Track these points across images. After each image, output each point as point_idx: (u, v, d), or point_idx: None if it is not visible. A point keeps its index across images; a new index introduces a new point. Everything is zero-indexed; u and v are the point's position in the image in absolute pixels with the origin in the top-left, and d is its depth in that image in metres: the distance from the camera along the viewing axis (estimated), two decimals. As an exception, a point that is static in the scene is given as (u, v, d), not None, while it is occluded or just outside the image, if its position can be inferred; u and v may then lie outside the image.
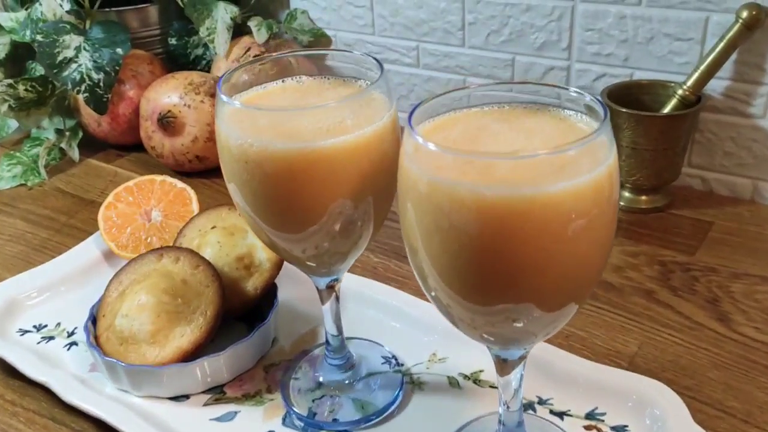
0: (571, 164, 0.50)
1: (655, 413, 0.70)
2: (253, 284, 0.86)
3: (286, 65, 0.72)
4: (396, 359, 0.83)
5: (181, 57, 1.41)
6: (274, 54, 0.70)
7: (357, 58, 0.69)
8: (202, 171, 1.27)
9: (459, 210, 0.50)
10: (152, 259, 0.85)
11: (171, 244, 0.97)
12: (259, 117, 0.61)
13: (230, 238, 0.88)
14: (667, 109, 1.07)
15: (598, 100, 0.55)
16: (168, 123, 1.20)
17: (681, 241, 1.03)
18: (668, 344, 0.85)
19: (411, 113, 0.56)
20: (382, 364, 0.82)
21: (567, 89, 0.58)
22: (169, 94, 1.21)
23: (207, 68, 1.41)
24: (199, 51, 1.41)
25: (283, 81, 0.72)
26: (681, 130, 1.04)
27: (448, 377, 0.79)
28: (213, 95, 1.21)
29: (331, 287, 0.74)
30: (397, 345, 0.85)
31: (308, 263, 0.69)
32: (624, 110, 1.04)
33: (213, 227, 0.90)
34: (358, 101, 0.62)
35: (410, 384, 0.79)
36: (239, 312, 0.87)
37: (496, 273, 0.52)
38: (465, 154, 0.51)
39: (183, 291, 0.82)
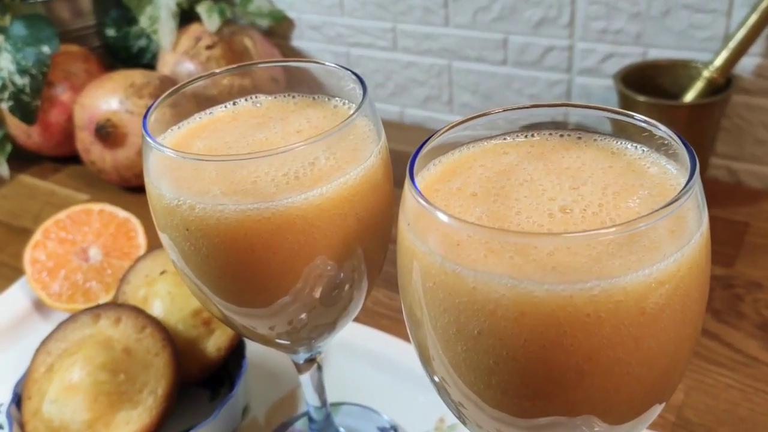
0: (649, 241, 0.34)
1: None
2: (214, 344, 0.70)
3: (238, 80, 0.55)
4: (395, 429, 0.67)
5: (121, 51, 1.23)
6: (217, 71, 0.53)
7: (330, 70, 0.53)
8: (152, 186, 1.09)
9: (493, 312, 0.35)
10: (86, 321, 0.69)
11: (113, 293, 0.80)
12: (201, 166, 0.45)
13: (183, 287, 0.71)
14: (691, 95, 0.92)
15: (677, 136, 0.39)
16: (107, 134, 1.02)
17: (715, 249, 0.89)
18: (720, 387, 0.71)
19: (412, 160, 0.40)
20: (379, 437, 0.67)
21: (626, 115, 0.42)
22: (106, 99, 1.03)
23: (153, 62, 1.23)
24: (143, 42, 1.22)
25: (234, 103, 0.55)
26: (710, 120, 0.89)
27: (462, 452, 0.65)
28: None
29: (311, 360, 0.59)
30: (395, 409, 0.70)
31: (279, 341, 0.53)
32: (642, 99, 0.89)
33: (162, 272, 0.74)
34: (336, 135, 0.46)
35: (414, 462, 0.65)
36: (199, 379, 0.71)
37: (546, 386, 0.36)
38: (496, 233, 0.35)
39: (126, 364, 0.65)
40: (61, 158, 1.20)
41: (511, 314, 0.34)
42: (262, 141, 0.50)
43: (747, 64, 0.94)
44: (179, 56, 1.13)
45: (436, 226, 0.36)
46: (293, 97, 0.55)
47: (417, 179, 0.42)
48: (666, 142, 0.41)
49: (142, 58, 1.23)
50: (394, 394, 0.71)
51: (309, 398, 0.63)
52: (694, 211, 0.36)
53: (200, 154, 0.44)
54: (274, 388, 0.74)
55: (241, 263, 0.45)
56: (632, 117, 0.41)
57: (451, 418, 0.68)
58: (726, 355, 0.75)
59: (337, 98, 0.54)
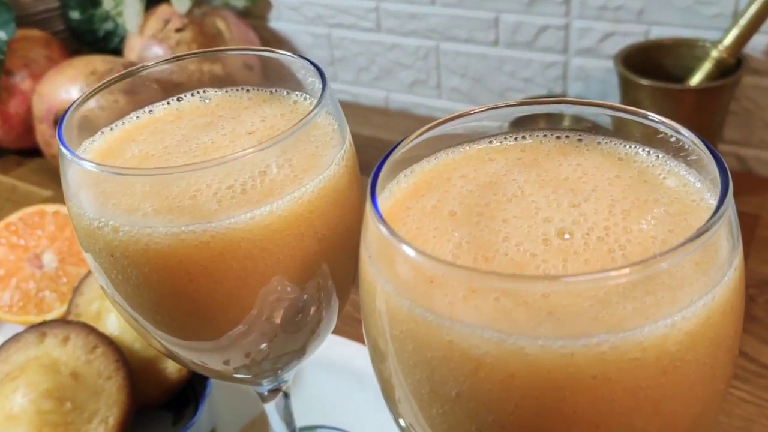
0: (672, 281, 0.27)
1: None
2: (175, 363, 0.63)
3: (183, 71, 0.48)
4: (376, 457, 0.61)
5: (87, 35, 1.14)
6: (149, 63, 0.46)
7: (287, 61, 0.45)
8: (119, 181, 1.02)
9: (474, 372, 0.28)
10: (31, 341, 0.62)
11: (65, 307, 0.73)
12: (129, 182, 0.37)
13: (140, 300, 0.64)
14: (698, 78, 0.84)
15: (702, 142, 0.32)
16: (67, 126, 0.94)
17: (725, 245, 0.82)
18: (733, 402, 0.65)
19: (375, 174, 0.33)
20: (357, 466, 0.60)
21: (638, 114, 0.34)
22: (66, 87, 0.95)
23: (122, 47, 1.14)
24: (109, 26, 1.14)
25: (178, 99, 0.47)
26: (719, 104, 0.82)
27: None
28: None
29: (275, 390, 0.52)
30: (372, 427, 0.63)
31: (238, 376, 0.46)
32: (645, 82, 0.81)
33: (118, 283, 0.67)
34: (292, 139, 0.38)
35: (397, 497, 0.58)
36: (160, 401, 0.64)
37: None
38: (477, 276, 0.28)
39: (73, 390, 0.58)
40: (24, 151, 1.13)
41: (497, 375, 0.27)
42: (207, 145, 0.42)
43: (758, 42, 0.86)
44: (147, 40, 1.05)
45: (402, 260, 0.29)
46: (247, 91, 0.47)
47: (384, 195, 0.34)
48: (685, 146, 0.34)
49: (110, 43, 1.15)
50: (377, 414, 0.64)
51: (276, 427, 0.56)
52: (727, 241, 0.28)
53: (123, 167, 0.37)
54: (244, 409, 0.67)
55: (178, 295, 0.38)
56: (646, 117, 0.34)
57: (437, 444, 0.61)
58: (738, 364, 0.68)
59: (297, 92, 0.46)
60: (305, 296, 0.42)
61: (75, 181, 0.39)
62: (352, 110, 1.16)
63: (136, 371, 0.61)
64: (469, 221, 0.33)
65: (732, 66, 0.83)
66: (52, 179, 1.05)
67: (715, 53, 0.83)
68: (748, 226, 0.85)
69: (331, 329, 0.47)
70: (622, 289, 0.26)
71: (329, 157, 0.40)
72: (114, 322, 0.64)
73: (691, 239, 0.26)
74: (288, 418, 0.55)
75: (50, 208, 0.79)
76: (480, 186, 0.35)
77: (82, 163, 0.37)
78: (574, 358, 0.26)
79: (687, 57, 0.88)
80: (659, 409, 0.28)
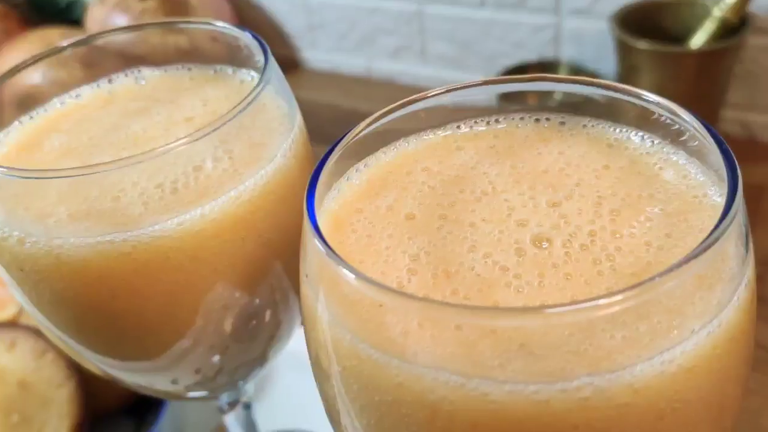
0: (670, 306, 0.22)
1: None
2: (134, 366, 0.58)
3: (118, 50, 0.42)
4: (353, 464, 0.56)
5: (48, 6, 1.08)
6: (63, 44, 0.40)
7: (226, 35, 0.40)
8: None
9: (430, 421, 0.23)
10: (-24, 346, 0.57)
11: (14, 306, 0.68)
12: (40, 184, 0.32)
13: (95, 297, 0.59)
14: (700, 39, 0.78)
15: (705, 127, 0.27)
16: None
17: (728, 219, 0.77)
18: (738, 393, 0.60)
19: (314, 176, 0.27)
20: (333, 475, 0.55)
21: (630, 94, 0.29)
22: (23, 64, 0.89)
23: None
24: (73, -5, 1.07)
25: (110, 81, 0.42)
26: (722, 67, 0.76)
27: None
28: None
29: (234, 402, 0.47)
30: None
31: (192, 395, 0.41)
32: (643, 45, 0.75)
33: (73, 279, 0.62)
34: (230, 126, 0.33)
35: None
36: (118, 408, 0.59)
37: None
38: (430, 308, 0.22)
39: (21, 401, 0.54)
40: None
41: (457, 425, 0.22)
42: (137, 135, 0.37)
43: (764, 0, 0.80)
44: (109, 9, 0.99)
45: (342, 284, 0.23)
46: (189, 69, 0.42)
47: (331, 195, 0.29)
48: (685, 131, 0.28)
49: (72, 14, 1.09)
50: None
51: (237, 438, 0.51)
52: (737, 253, 0.23)
53: (24, 169, 0.31)
54: (212, 412, 0.62)
55: (101, 314, 0.33)
56: (640, 97, 0.28)
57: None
58: (745, 352, 0.64)
59: (244, 70, 0.41)
60: (257, 301, 0.37)
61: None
62: (331, 80, 1.10)
63: (89, 377, 0.56)
64: (429, 226, 0.28)
65: (736, 26, 0.77)
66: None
67: (717, 12, 0.77)
68: (753, 198, 0.79)
69: (294, 330, 0.42)
70: (610, 321, 0.21)
71: (274, 146, 0.35)
72: (68, 322, 0.59)
73: (694, 256, 0.21)
74: (250, 429, 0.50)
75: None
76: (445, 181, 0.30)
77: (-18, 166, 0.32)
78: (549, 405, 0.21)
79: (688, 17, 0.82)
80: (659, 455, 0.23)
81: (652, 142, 0.29)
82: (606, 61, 0.88)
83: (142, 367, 0.37)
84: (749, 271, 0.24)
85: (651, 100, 0.28)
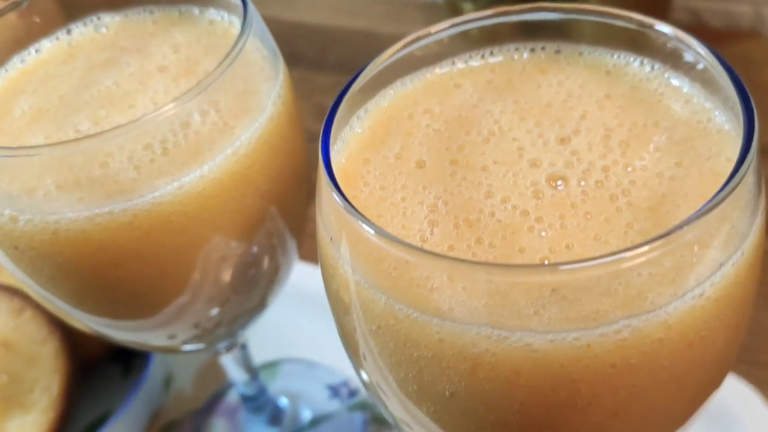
0: (700, 245, 0.22)
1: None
2: (116, 312, 0.58)
3: (69, -4, 0.39)
4: (347, 385, 0.58)
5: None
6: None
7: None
8: None
9: (472, 372, 0.23)
10: (-51, 310, 0.55)
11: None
12: (21, 163, 0.30)
13: (66, 248, 0.58)
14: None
15: (710, 51, 0.27)
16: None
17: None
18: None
19: (326, 127, 0.27)
20: (330, 398, 0.57)
21: (629, 20, 0.29)
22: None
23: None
24: None
25: (68, 31, 0.39)
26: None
27: (425, 403, 0.55)
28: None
29: (231, 346, 0.47)
30: (342, 356, 0.60)
31: (186, 348, 0.41)
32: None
33: (38, 230, 0.60)
34: (220, 82, 0.31)
35: (374, 424, 0.56)
36: (104, 355, 0.59)
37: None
38: (468, 268, 0.22)
39: (6, 361, 0.53)
40: None
41: (499, 374, 0.23)
42: (111, 90, 0.35)
43: None
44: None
45: (373, 248, 0.23)
46: (151, 12, 0.39)
47: (336, 147, 0.28)
48: (685, 54, 0.28)
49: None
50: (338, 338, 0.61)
51: (234, 377, 0.52)
52: (755, 184, 0.24)
53: (5, 147, 0.30)
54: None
55: (104, 283, 0.32)
56: (650, 27, 0.28)
57: (409, 362, 0.58)
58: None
59: (213, 9, 0.39)
60: (255, 249, 0.36)
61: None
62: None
63: (71, 329, 0.56)
64: (442, 173, 0.27)
65: None
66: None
67: None
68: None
69: (291, 272, 0.42)
70: (644, 266, 0.22)
71: (262, 95, 0.33)
72: (41, 275, 0.58)
73: (721, 198, 0.21)
74: (247, 364, 0.51)
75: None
76: (449, 123, 0.29)
77: (-47, 141, 0.30)
78: (590, 349, 0.22)
79: None
80: (683, 383, 0.24)
81: (652, 67, 0.30)
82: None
83: (139, 326, 0.37)
84: (763, 200, 0.25)
85: (646, 23, 0.28)
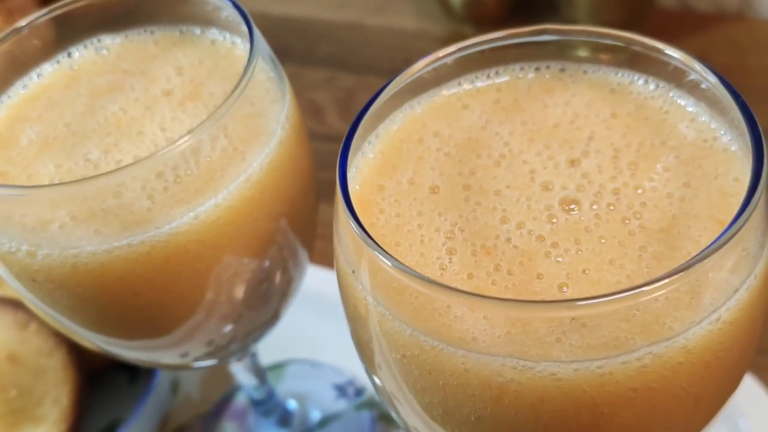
0: (716, 271, 0.23)
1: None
2: (121, 321, 0.58)
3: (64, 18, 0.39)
4: (353, 384, 0.59)
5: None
6: (41, 12, 0.37)
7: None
8: None
9: (498, 399, 0.24)
10: (-47, 326, 0.55)
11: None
12: (36, 198, 0.30)
13: (67, 259, 0.58)
14: None
15: (712, 72, 0.27)
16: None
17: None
18: None
19: (343, 160, 0.27)
20: (337, 398, 0.58)
21: (637, 44, 0.29)
22: None
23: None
24: None
25: (69, 54, 0.39)
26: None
27: (431, 399, 0.57)
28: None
29: (242, 357, 0.48)
30: (347, 355, 0.61)
31: (197, 365, 0.42)
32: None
33: (37, 242, 0.60)
34: (230, 106, 0.31)
35: (382, 421, 0.57)
36: (110, 365, 0.60)
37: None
38: (489, 304, 0.23)
39: (14, 375, 0.53)
40: None
41: (524, 401, 0.24)
42: (118, 117, 0.35)
43: None
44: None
45: (398, 283, 0.24)
46: (152, 33, 0.39)
47: (350, 174, 0.29)
48: (688, 74, 0.29)
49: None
50: (343, 337, 0.62)
51: (243, 382, 0.52)
52: (765, 208, 0.25)
53: (22, 187, 0.30)
54: (204, 353, 0.63)
55: (122, 311, 0.32)
56: (653, 48, 0.28)
57: (412, 360, 0.59)
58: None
59: (214, 28, 0.39)
60: (268, 265, 0.37)
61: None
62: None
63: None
64: (457, 198, 0.28)
65: None
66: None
67: None
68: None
69: (303, 280, 0.43)
70: (663, 296, 0.22)
71: (270, 118, 0.34)
72: (43, 287, 0.58)
73: (738, 228, 0.22)
74: (257, 370, 0.51)
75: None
76: (459, 146, 0.30)
77: (-30, 181, 0.30)
78: (612, 376, 0.23)
79: None
80: (700, 398, 0.25)
81: (656, 85, 0.30)
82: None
83: (153, 345, 0.38)
84: (772, 219, 0.25)
85: (658, 48, 0.29)
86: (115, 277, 0.31)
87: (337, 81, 0.86)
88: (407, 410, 0.28)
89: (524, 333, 0.23)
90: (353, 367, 0.60)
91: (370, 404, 0.57)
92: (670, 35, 0.85)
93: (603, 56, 0.31)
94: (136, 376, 0.61)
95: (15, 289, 0.33)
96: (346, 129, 0.27)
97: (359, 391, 0.58)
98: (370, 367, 0.29)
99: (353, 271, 0.26)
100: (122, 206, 0.31)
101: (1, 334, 0.55)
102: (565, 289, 0.25)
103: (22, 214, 0.31)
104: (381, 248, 0.24)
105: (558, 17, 0.84)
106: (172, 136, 0.34)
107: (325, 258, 0.55)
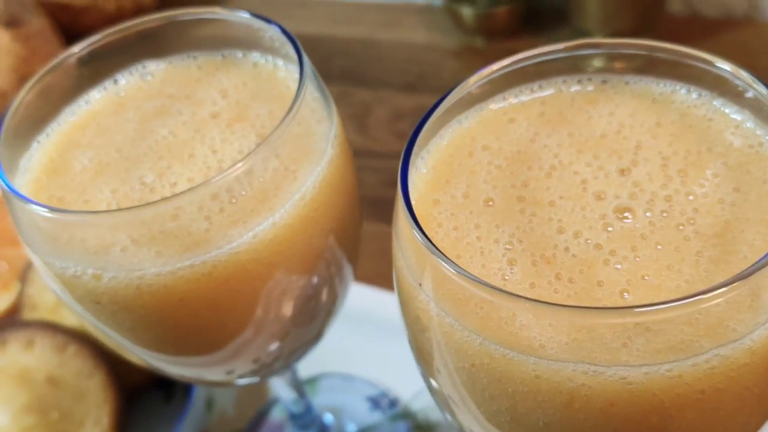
0: (765, 277, 0.24)
1: None
2: (156, 341, 0.59)
3: (110, 46, 0.40)
4: (387, 396, 0.59)
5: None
6: (86, 42, 0.38)
7: (241, 22, 0.38)
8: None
9: (568, 405, 0.25)
10: (-8, 350, 0.56)
11: (15, 291, 0.67)
12: (102, 224, 0.31)
13: (101, 281, 0.58)
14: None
15: (754, 78, 0.28)
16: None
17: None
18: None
19: (403, 177, 0.28)
20: (371, 410, 0.59)
21: (671, 51, 0.30)
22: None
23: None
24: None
25: (115, 81, 0.40)
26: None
27: (465, 408, 0.57)
28: (9, 23, 0.83)
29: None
30: (378, 368, 0.62)
31: (238, 382, 0.42)
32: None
33: (70, 265, 0.60)
34: (283, 130, 0.32)
35: (419, 431, 0.57)
36: (147, 383, 0.60)
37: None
38: (557, 312, 0.24)
39: (55, 397, 0.54)
40: None
41: (594, 405, 0.24)
42: (168, 140, 0.36)
43: None
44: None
45: (467, 294, 0.25)
46: (195, 58, 0.40)
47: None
48: (730, 81, 0.30)
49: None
50: (374, 351, 0.63)
51: (283, 396, 0.53)
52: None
53: (84, 212, 0.31)
54: (237, 369, 0.64)
55: (182, 330, 0.33)
56: (696, 58, 0.29)
57: (445, 370, 0.60)
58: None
59: (255, 52, 0.39)
60: (316, 281, 0.37)
61: (26, 223, 0.32)
62: (267, 5, 1.06)
63: (115, 358, 0.57)
64: (512, 210, 0.29)
65: None
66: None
67: None
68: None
69: (347, 297, 0.43)
70: (726, 301, 0.23)
71: (319, 137, 0.35)
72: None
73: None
74: (296, 384, 0.52)
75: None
76: (509, 159, 0.31)
77: (38, 209, 0.31)
78: (681, 379, 0.24)
79: None
80: (762, 400, 0.26)
81: (699, 94, 0.31)
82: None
83: (202, 362, 0.38)
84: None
85: (694, 55, 0.30)
86: (177, 298, 0.31)
87: (352, 96, 0.87)
88: (466, 414, 0.29)
89: (590, 339, 0.23)
90: (385, 380, 0.60)
91: (405, 415, 0.58)
92: (680, 40, 0.86)
93: (644, 66, 0.32)
94: (172, 395, 0.62)
95: (75, 311, 0.34)
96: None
97: (393, 403, 0.59)
98: (428, 370, 0.29)
99: (420, 284, 0.27)
100: (181, 228, 0.31)
101: (40, 357, 0.55)
102: (626, 295, 0.26)
103: (83, 239, 0.31)
104: (446, 257, 0.25)
105: (569, 28, 0.85)
106: (223, 158, 0.35)
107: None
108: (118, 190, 0.34)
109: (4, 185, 0.32)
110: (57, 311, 0.60)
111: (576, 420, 0.25)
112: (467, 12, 0.89)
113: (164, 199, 0.30)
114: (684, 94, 0.31)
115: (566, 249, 0.27)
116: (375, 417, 0.58)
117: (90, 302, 0.32)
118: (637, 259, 0.27)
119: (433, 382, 0.30)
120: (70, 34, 0.90)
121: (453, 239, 0.28)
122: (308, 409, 0.54)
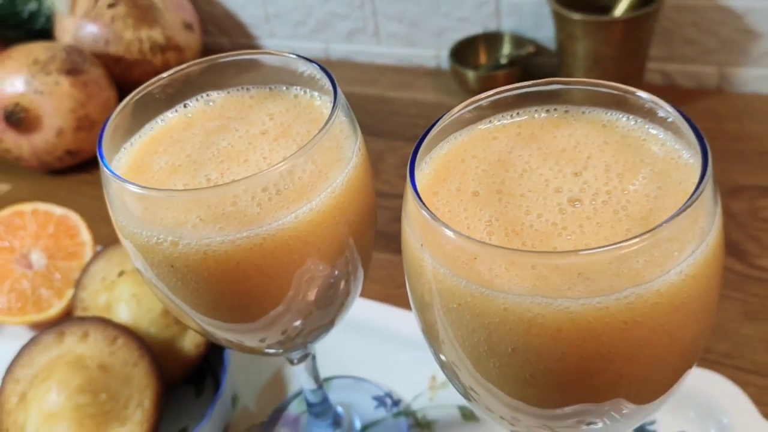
0: (677, 237, 0.33)
1: (723, 422, 0.59)
2: (192, 341, 0.68)
3: (181, 79, 0.50)
4: (391, 396, 0.68)
5: (10, 18, 1.11)
6: (164, 75, 0.48)
7: (284, 60, 0.49)
8: (76, 166, 1.02)
9: (527, 331, 0.34)
10: (51, 341, 0.65)
11: (67, 298, 0.76)
12: (176, 200, 0.41)
13: (146, 286, 0.68)
14: (623, 7, 0.91)
15: (678, 112, 0.38)
16: (19, 119, 0.94)
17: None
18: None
19: (411, 169, 0.38)
20: (376, 408, 0.67)
21: (626, 92, 0.40)
22: (10, 80, 0.94)
23: (48, 26, 1.12)
24: (33, 6, 1.11)
25: (185, 105, 0.50)
26: (645, 29, 0.89)
27: (460, 408, 0.66)
28: (70, 71, 0.95)
29: (304, 356, 0.57)
30: (385, 374, 0.70)
31: (268, 351, 0.51)
32: (577, 17, 0.87)
33: (121, 273, 0.70)
34: (318, 141, 0.42)
35: (417, 428, 0.65)
36: (181, 378, 0.69)
37: (583, 390, 0.36)
38: (521, 256, 0.33)
39: (104, 381, 0.62)
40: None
41: (547, 331, 0.33)
42: (227, 150, 0.46)
43: (674, -35, 0.93)
44: (79, 19, 1.04)
45: (459, 249, 0.34)
46: (248, 90, 0.51)
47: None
48: (659, 111, 0.40)
49: (35, 24, 1.13)
50: (381, 359, 0.71)
51: (305, 384, 0.61)
52: (712, 195, 0.35)
53: (177, 190, 0.41)
54: (259, 372, 0.72)
55: (235, 292, 0.42)
56: (633, 94, 0.40)
57: (442, 376, 0.68)
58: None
59: (296, 87, 0.50)
60: (336, 272, 0.46)
61: (120, 202, 0.42)
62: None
63: (156, 353, 0.66)
64: (491, 199, 0.38)
65: (652, -8, 0.89)
66: (6, 172, 1.04)
67: (636, -18, 0.89)
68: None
69: (356, 299, 0.52)
70: (639, 252, 0.32)
71: (346, 149, 0.44)
72: (125, 311, 0.68)
73: (689, 204, 0.32)
74: (315, 374, 0.61)
75: (28, 207, 0.80)
76: (492, 164, 0.41)
77: (127, 185, 0.40)
78: (608, 310, 0.33)
79: (611, -14, 0.94)
80: (674, 337, 0.35)
81: (636, 120, 0.41)
82: (544, 29, 1.00)
83: (243, 329, 0.47)
84: (719, 206, 0.36)
85: (634, 92, 0.40)
86: (235, 263, 0.41)
87: (367, 144, 0.98)
88: (452, 351, 0.38)
89: (543, 278, 0.33)
90: (389, 382, 0.69)
91: (406, 413, 0.66)
92: (660, 106, 0.97)
93: (596, 101, 0.42)
94: (201, 390, 0.70)
95: (148, 277, 0.44)
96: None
97: (396, 402, 0.67)
98: (424, 312, 0.38)
99: (421, 245, 0.36)
100: (238, 212, 0.41)
101: (94, 347, 0.64)
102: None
103: (163, 216, 0.41)
104: (442, 221, 0.34)
105: (561, 90, 0.96)
106: (271, 162, 0.44)
107: (363, 291, 0.65)
108: (188, 183, 0.44)
109: (106, 170, 0.41)
110: (107, 311, 0.69)
111: (534, 344, 0.34)
112: (471, 75, 1.00)
113: (225, 184, 0.40)
114: (625, 121, 0.41)
115: (531, 225, 0.37)
116: (379, 414, 0.66)
117: (166, 266, 0.42)
118: (583, 233, 0.36)
119: (430, 321, 0.38)
120: (121, 84, 1.02)
121: (447, 219, 0.38)
122: (324, 399, 0.63)
